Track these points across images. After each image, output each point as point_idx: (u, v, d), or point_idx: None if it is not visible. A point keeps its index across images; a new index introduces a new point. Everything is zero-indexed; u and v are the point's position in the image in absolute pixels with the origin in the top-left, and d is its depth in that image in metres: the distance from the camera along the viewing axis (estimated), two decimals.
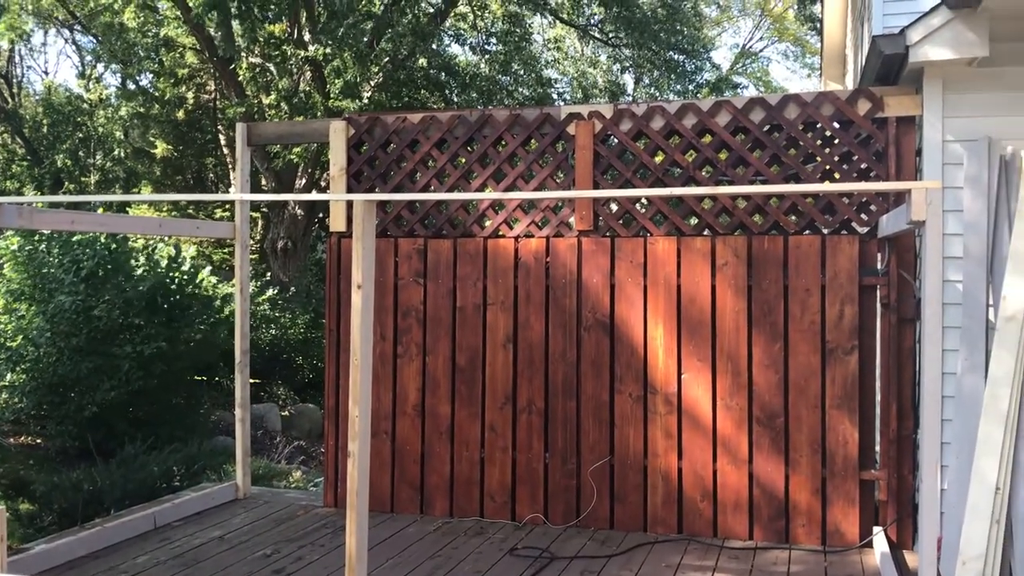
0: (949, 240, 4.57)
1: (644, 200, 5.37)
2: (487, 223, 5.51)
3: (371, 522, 5.28)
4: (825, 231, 5.02)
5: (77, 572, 4.39)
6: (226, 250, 21.45)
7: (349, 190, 5.62)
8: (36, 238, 10.99)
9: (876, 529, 4.83)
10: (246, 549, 4.81)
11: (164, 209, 17.71)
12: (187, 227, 5.46)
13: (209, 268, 14.26)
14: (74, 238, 10.95)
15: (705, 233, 5.19)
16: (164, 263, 11.49)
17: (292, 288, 17.39)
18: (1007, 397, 3.93)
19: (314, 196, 3.60)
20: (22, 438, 10.69)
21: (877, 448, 5.02)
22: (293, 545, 4.88)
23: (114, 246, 10.96)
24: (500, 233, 5.47)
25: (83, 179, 21.07)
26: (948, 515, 4.41)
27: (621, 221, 5.31)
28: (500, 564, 4.58)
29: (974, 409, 4.17)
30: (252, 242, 21.99)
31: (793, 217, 5.14)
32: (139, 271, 11.05)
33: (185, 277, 12.00)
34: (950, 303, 4.57)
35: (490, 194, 3.51)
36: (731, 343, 5.02)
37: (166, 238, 13.26)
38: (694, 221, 5.26)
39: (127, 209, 12.23)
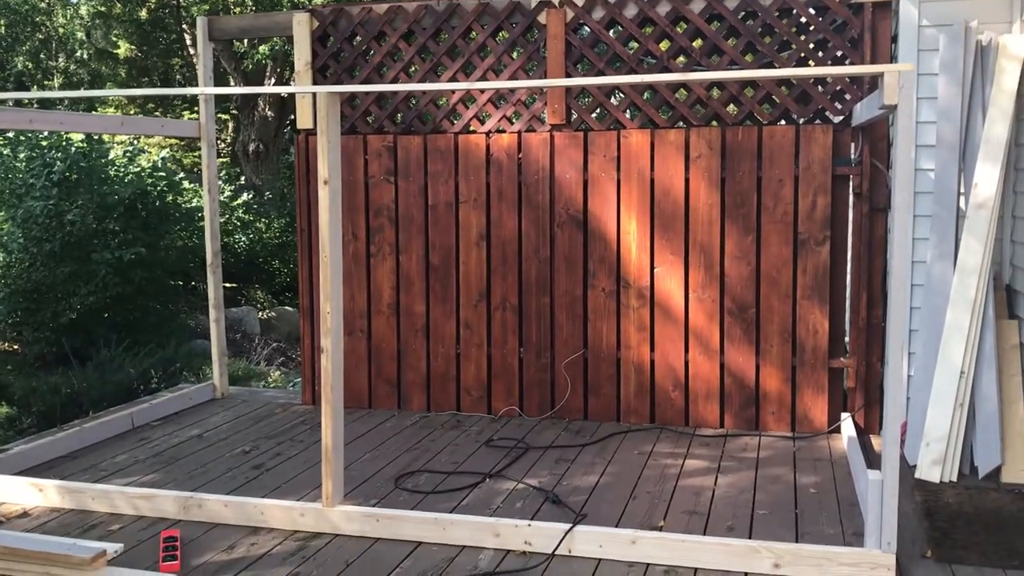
0: (923, 128, 4.54)
1: (618, 93, 5.28)
2: (458, 119, 5.42)
3: (349, 418, 5.34)
4: (800, 121, 4.98)
5: (56, 471, 4.43)
6: (196, 153, 21.09)
7: (315, 85, 5.49)
8: (1, 142, 10.76)
9: (844, 415, 4.94)
10: (225, 446, 4.86)
11: (129, 110, 17.32)
12: (151, 125, 5.34)
13: (181, 174, 14.05)
14: (43, 141, 10.72)
15: (679, 125, 5.13)
16: (145, 169, 11.30)
17: (267, 192, 17.21)
18: (975, 285, 3.96)
19: (276, 88, 3.54)
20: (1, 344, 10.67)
21: (847, 338, 5.09)
22: (271, 442, 4.93)
23: (89, 150, 10.75)
24: (471, 129, 5.39)
25: (46, 83, 20.53)
26: (914, 400, 4.50)
27: (594, 115, 5.23)
28: (477, 454, 4.66)
29: (942, 297, 4.22)
30: (223, 145, 21.64)
31: (767, 107, 5.08)
32: (116, 176, 10.88)
33: (166, 185, 11.82)
34: (922, 192, 4.57)
35: (458, 84, 3.43)
36: (704, 236, 5.02)
37: (137, 142, 12.99)
38: (668, 114, 5.19)
39: (94, 110, 11.94)
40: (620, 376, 5.21)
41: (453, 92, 5.41)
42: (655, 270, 5.11)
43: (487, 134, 5.32)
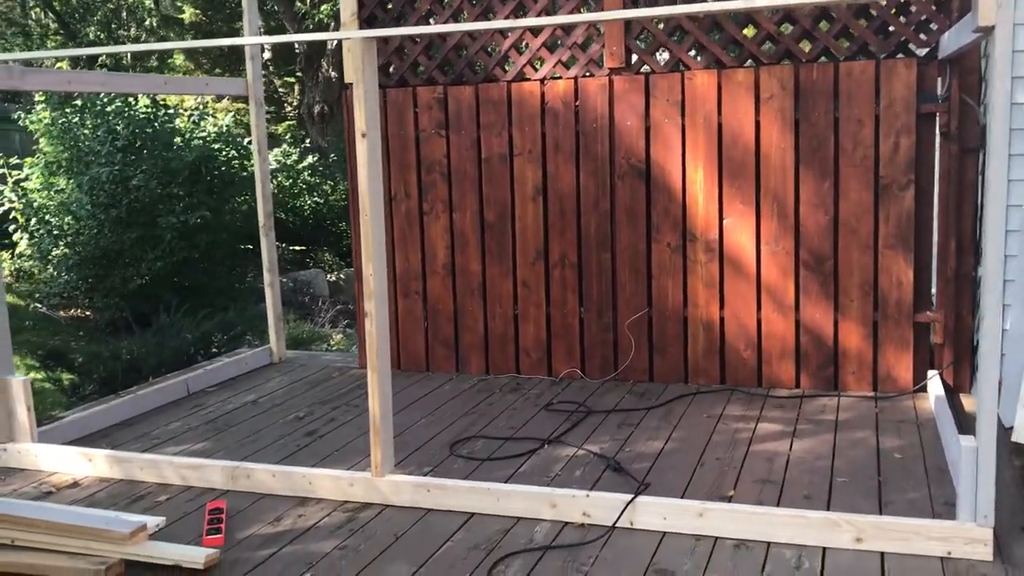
0: (1020, 58, 4.11)
1: (681, 32, 4.93)
2: (510, 67, 5.15)
3: (406, 381, 5.19)
4: (880, 55, 4.57)
5: (109, 440, 4.37)
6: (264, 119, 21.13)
7: None
8: (68, 110, 10.82)
9: (931, 373, 4.59)
10: (279, 412, 4.74)
11: (197, 74, 17.36)
12: (194, 85, 5.19)
13: (247, 139, 14.06)
14: (108, 108, 10.76)
15: (748, 65, 4.77)
16: (210, 133, 11.29)
17: (332, 155, 17.16)
18: None
19: (310, 36, 3.32)
20: (72, 311, 10.84)
21: (933, 290, 4.71)
22: (327, 407, 4.80)
23: (153, 116, 10.77)
24: (525, 76, 5.11)
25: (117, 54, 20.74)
26: (1009, 356, 4.13)
27: (656, 56, 4.90)
28: (536, 419, 4.45)
29: None
30: (289, 108, 21.65)
31: (844, 42, 4.68)
32: (181, 142, 10.89)
33: (231, 149, 11.79)
34: (1018, 129, 4.15)
35: (506, 23, 3.16)
36: (777, 183, 4.68)
37: (204, 107, 13.00)
38: (736, 53, 4.83)
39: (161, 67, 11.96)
40: (687, 335, 4.93)
41: (505, 38, 5.13)
42: (724, 222, 4.79)
43: (541, 81, 5.04)
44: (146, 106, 10.82)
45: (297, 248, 15.12)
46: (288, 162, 15.25)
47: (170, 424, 4.60)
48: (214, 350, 6.53)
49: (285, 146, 16.03)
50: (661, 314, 4.95)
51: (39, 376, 6.46)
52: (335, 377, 5.40)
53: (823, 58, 4.67)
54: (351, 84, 5.32)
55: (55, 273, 10.43)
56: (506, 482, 3.62)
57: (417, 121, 5.28)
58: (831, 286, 4.67)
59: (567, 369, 5.14)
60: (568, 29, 4.99)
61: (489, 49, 5.23)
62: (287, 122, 21.05)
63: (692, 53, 4.85)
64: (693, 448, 3.97)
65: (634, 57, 4.93)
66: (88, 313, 10.68)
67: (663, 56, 5.24)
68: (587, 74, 4.99)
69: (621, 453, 3.94)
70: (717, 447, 3.97)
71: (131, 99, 10.86)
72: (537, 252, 5.13)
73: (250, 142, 13.91)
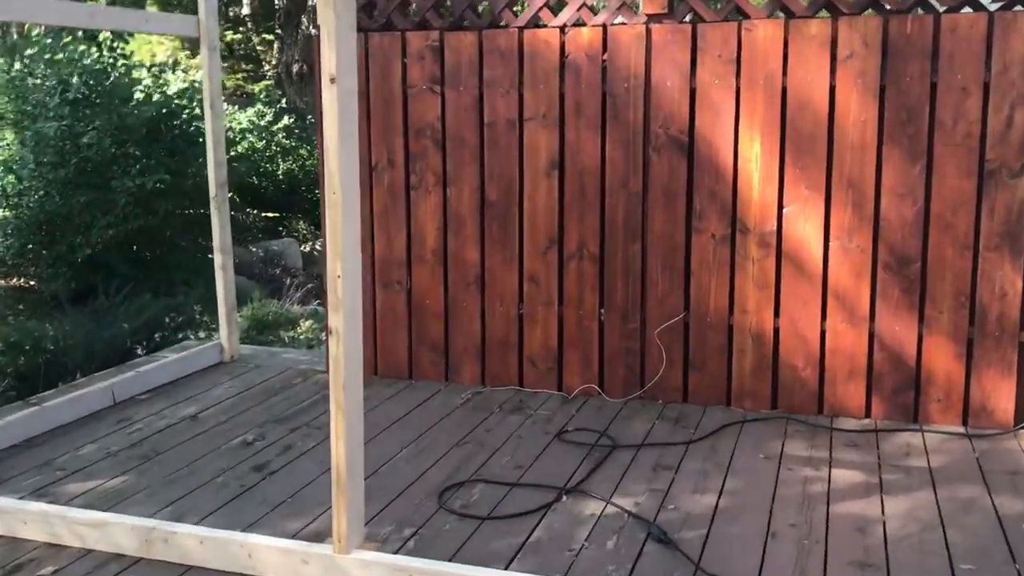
0: None
1: None
2: (523, 9, 4.16)
3: (385, 392, 4.24)
4: (993, 6, 3.63)
5: (1, 468, 3.39)
6: (239, 75, 19.95)
7: None
8: (16, 56, 9.73)
9: None
10: (222, 433, 3.78)
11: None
12: (131, 19, 4.16)
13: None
14: (58, 55, 9.67)
15: (823, 14, 3.81)
16: (172, 88, 10.19)
17: (310, 116, 16.07)
18: None
19: None
20: (14, 280, 9.79)
21: None
22: (282, 428, 3.84)
23: (110, 66, 9.68)
24: (540, 22, 4.13)
25: None
26: None
27: (705, 0, 3.93)
28: (547, 453, 3.52)
29: None
30: (267, 67, 20.44)
31: None
32: (142, 96, 9.82)
33: (198, 107, 10.74)
34: None
35: None
36: (853, 164, 3.75)
37: (180, 60, 11.89)
38: None
39: None
40: (732, 347, 4.01)
41: None
42: (784, 210, 3.86)
43: (561, 28, 4.06)
44: (99, 56, 9.72)
45: (270, 215, 14.10)
46: (262, 123, 14.20)
47: (83, 448, 3.63)
48: (157, 337, 5.54)
49: (260, 106, 14.95)
50: (700, 320, 4.02)
51: None
52: (296, 384, 4.44)
53: (919, 9, 3.72)
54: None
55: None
56: (516, 558, 2.69)
57: (406, 74, 4.29)
58: (916, 294, 3.76)
59: (583, 384, 4.21)
60: None
61: None
62: (264, 82, 19.87)
63: None
64: (756, 507, 3.05)
65: (680, 1, 3.96)
66: (33, 283, 9.63)
67: (715, 1, 4.27)
68: (619, 21, 4.01)
69: (663, 512, 3.02)
70: (787, 506, 3.06)
71: (83, 46, 9.76)
72: (550, 240, 4.18)
73: (223, 101, 12.84)
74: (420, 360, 4.47)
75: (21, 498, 3.12)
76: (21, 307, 9.09)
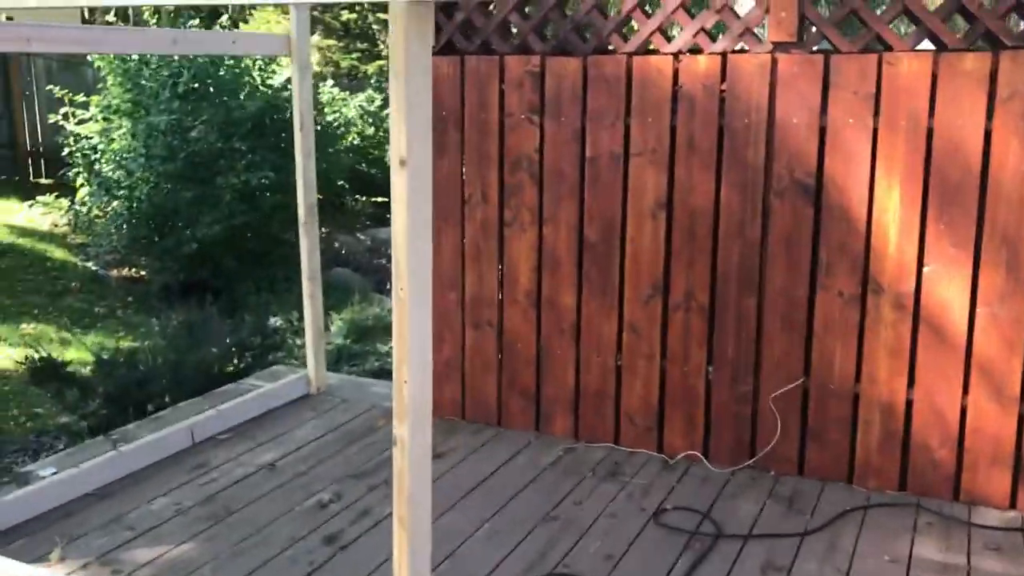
0: None
1: None
2: (633, 33, 3.78)
3: (470, 442, 3.98)
4: None
5: (56, 529, 3.26)
6: (355, 55, 19.92)
7: None
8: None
9: None
10: (299, 489, 3.58)
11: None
12: (217, 42, 3.95)
13: (330, 81, 12.88)
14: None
15: (979, 46, 3.30)
16: (278, 80, 10.12)
17: None
18: None
19: None
20: (125, 270, 9.95)
21: None
22: (361, 485, 3.61)
23: (220, 59, 9.67)
24: (652, 47, 3.73)
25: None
26: None
27: (841, 28, 3.47)
28: (643, 539, 3.18)
29: None
30: (383, 46, 20.35)
31: None
32: (251, 87, 9.80)
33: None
34: None
35: None
36: (1009, 221, 3.25)
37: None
38: (962, 29, 3.36)
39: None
40: (857, 419, 3.57)
41: None
42: (925, 269, 3.38)
43: (675, 55, 3.66)
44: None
45: (379, 200, 14.03)
46: (372, 108, 14.10)
47: (156, 501, 3.48)
48: (249, 357, 5.40)
49: (370, 91, 14.87)
50: (822, 387, 3.59)
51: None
52: (379, 427, 4.21)
53: None
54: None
55: (107, 226, 9.50)
56: None
57: (503, 102, 3.96)
58: None
59: (685, 449, 3.84)
60: None
61: (605, 8, 3.86)
62: (379, 61, 19.81)
63: (895, 27, 3.39)
64: None
65: (810, 28, 3.51)
66: (142, 274, 9.77)
67: (852, 30, 3.80)
68: (740, 49, 3.59)
69: None
70: None
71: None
72: (653, 287, 3.81)
73: (334, 85, 12.74)
74: (509, 406, 4.18)
75: (86, 566, 2.98)
76: (130, 299, 9.23)
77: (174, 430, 3.94)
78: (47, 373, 4.84)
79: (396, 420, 2.14)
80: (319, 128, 9.94)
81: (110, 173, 9.27)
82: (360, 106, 13.85)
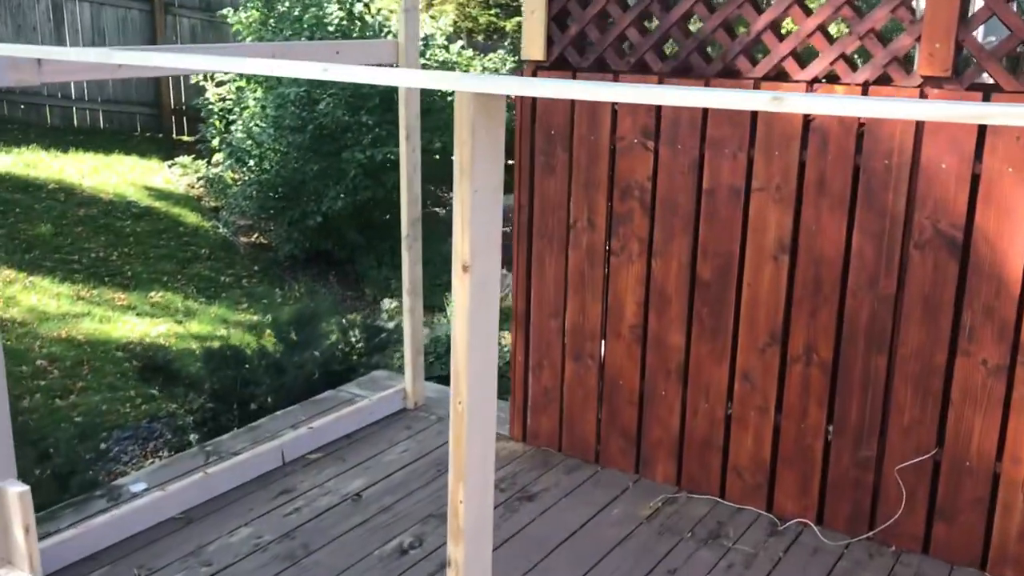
0: None
1: None
2: (763, 55, 3.40)
3: (566, 482, 3.78)
4: None
5: (138, 557, 3.25)
6: (493, 11, 19.64)
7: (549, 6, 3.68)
8: (270, 10, 9.89)
9: None
10: (380, 529, 3.46)
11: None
12: (319, 53, 3.80)
13: (460, 42, 12.70)
14: (305, 16, 9.74)
15: None
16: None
17: None
18: None
19: (428, 81, 2.06)
20: (254, 237, 10.15)
21: None
22: (444, 529, 3.46)
23: (349, 28, 9.64)
24: (784, 73, 3.35)
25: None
26: None
27: (1005, 61, 3.00)
28: None
29: None
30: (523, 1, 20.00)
31: None
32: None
33: (431, 60, 10.58)
34: None
35: None
36: None
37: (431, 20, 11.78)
38: None
39: None
40: (996, 501, 3.17)
41: (760, 11, 3.36)
42: None
43: (809, 83, 3.27)
44: (344, 15, 9.65)
45: (510, 163, 13.83)
46: (503, 70, 13.85)
47: (237, 532, 3.43)
48: (354, 357, 5.33)
49: (502, 52, 14.61)
50: (956, 462, 3.20)
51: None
52: None
53: None
54: (529, 62, 3.81)
55: (239, 196, 9.68)
56: None
57: (615, 124, 3.66)
58: None
59: (797, 515, 3.52)
60: (861, 6, 3.16)
61: (734, 28, 3.49)
62: (518, 17, 19.48)
63: None
64: None
65: (968, 62, 3.05)
66: (270, 242, 9.94)
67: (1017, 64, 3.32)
68: (884, 80, 3.16)
69: None
70: None
71: (335, 5, 9.72)
72: (771, 335, 3.47)
73: (463, 47, 12.50)
74: (608, 445, 3.94)
75: None
76: (256, 268, 9.40)
77: (264, 449, 3.89)
78: (154, 369, 4.89)
79: (451, 541, 1.94)
80: (439, 96, 9.77)
81: (242, 140, 9.40)
82: (484, 67, 13.62)
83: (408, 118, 4.16)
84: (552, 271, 3.92)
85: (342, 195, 9.07)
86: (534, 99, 3.82)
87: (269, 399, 4.85)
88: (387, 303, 8.04)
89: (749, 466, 3.61)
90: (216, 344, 5.46)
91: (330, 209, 9.07)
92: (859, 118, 3.18)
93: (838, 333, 3.35)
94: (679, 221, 3.59)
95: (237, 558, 3.26)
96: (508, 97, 1.73)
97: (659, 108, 3.54)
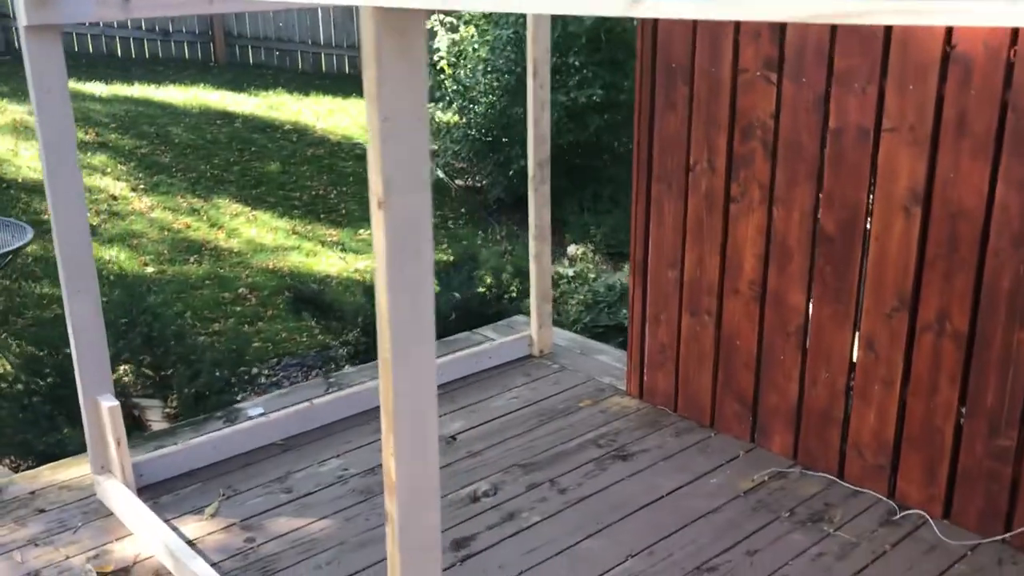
0: None
1: None
2: None
3: (674, 443, 3.57)
4: None
5: (230, 479, 3.39)
6: None
7: None
8: None
9: None
10: (462, 474, 3.40)
11: None
12: None
13: None
14: None
15: None
16: None
17: None
18: None
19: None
20: (467, 180, 10.35)
21: None
22: (524, 480, 3.35)
23: None
24: None
25: None
26: None
27: None
28: None
29: None
30: None
31: None
32: None
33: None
34: None
35: None
36: None
37: None
38: None
39: None
40: None
41: None
42: None
43: None
44: None
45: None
46: None
47: (328, 462, 3.51)
48: (505, 298, 5.29)
49: None
50: None
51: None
52: (582, 407, 3.88)
53: None
54: None
55: (453, 138, 9.89)
56: None
57: (737, 55, 3.29)
58: None
59: (920, 505, 3.07)
60: None
61: None
62: None
63: None
64: None
65: None
66: (481, 184, 10.10)
67: None
68: None
69: None
70: None
71: None
72: (900, 299, 3.01)
73: None
74: (724, 409, 3.63)
75: (228, 528, 3.07)
76: (463, 210, 9.60)
77: (374, 385, 3.93)
78: (304, 300, 5.10)
79: (386, 495, 1.83)
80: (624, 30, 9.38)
81: (463, 81, 9.56)
82: None
83: (536, 52, 3.98)
84: (671, 217, 3.63)
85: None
86: (655, 31, 3.52)
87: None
88: (572, 249, 7.92)
89: (871, 444, 3.19)
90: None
91: None
92: (1012, 48, 2.63)
93: (975, 300, 2.84)
94: (802, 166, 3.18)
95: (318, 487, 3.33)
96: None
97: (783, 34, 3.13)
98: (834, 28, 2.99)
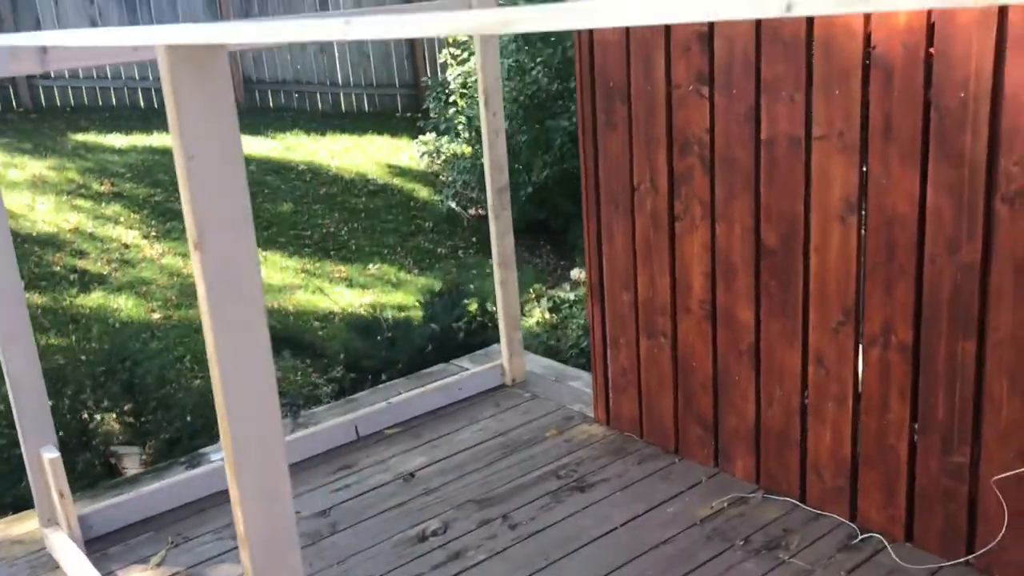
0: None
1: None
2: None
3: (637, 471, 3.48)
4: None
5: (182, 526, 3.37)
6: None
7: None
8: None
9: None
10: (414, 513, 3.33)
11: None
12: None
13: None
14: None
15: None
16: None
17: None
18: None
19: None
20: (479, 209, 10.33)
21: None
22: (476, 516, 3.27)
23: None
24: None
25: None
26: None
27: None
28: None
29: None
30: None
31: None
32: None
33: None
34: None
35: None
36: None
37: None
38: None
39: None
40: None
41: None
42: None
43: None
44: None
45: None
46: None
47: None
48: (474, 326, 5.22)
49: None
50: None
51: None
52: (546, 439, 3.79)
53: None
54: None
55: (461, 168, 9.90)
56: None
57: (669, 71, 3.21)
58: None
59: (880, 527, 2.93)
60: None
61: None
62: None
63: None
64: None
65: None
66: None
67: None
68: None
69: None
70: None
71: None
72: (844, 311, 2.89)
73: None
74: (687, 434, 3.51)
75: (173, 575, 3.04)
76: (474, 239, 9.57)
77: (338, 423, 3.89)
78: (282, 339, 5.09)
79: (240, 548, 1.77)
80: None
81: (466, 112, 9.58)
82: None
83: (486, 81, 3.94)
84: (620, 238, 3.55)
85: (550, 165, 8.97)
86: (591, 53, 3.46)
87: (400, 365, 4.87)
88: (575, 273, 7.84)
89: (829, 465, 3.05)
90: (373, 313, 5.59)
91: (539, 179, 9.01)
92: (928, 47, 2.53)
93: (917, 311, 2.72)
94: (739, 179, 3.08)
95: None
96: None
97: (711, 45, 3.05)
98: (759, 36, 2.90)
